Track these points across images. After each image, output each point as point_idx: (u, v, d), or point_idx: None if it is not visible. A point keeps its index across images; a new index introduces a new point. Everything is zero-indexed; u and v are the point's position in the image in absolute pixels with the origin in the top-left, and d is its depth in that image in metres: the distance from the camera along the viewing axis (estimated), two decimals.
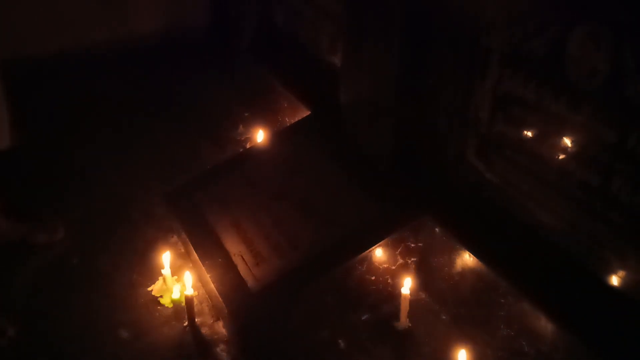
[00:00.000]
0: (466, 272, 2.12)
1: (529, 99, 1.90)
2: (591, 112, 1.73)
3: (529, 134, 1.96)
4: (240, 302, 2.14)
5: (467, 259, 2.10)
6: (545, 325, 1.85)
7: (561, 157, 1.87)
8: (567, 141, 1.84)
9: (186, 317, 2.25)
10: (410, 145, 2.42)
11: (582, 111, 1.75)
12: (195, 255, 2.37)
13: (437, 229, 2.20)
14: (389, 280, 2.28)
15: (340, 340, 2.18)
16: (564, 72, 1.76)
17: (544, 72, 1.84)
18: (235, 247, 2.34)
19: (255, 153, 2.85)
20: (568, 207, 1.88)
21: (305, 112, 3.02)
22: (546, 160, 1.91)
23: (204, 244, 2.39)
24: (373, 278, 2.26)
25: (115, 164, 3.15)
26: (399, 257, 2.27)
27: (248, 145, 3.24)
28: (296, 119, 3.06)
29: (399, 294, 2.19)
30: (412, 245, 2.27)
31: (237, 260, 2.29)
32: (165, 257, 2.33)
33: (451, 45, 2.15)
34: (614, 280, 1.80)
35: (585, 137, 1.78)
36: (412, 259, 2.29)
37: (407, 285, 2.16)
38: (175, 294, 2.32)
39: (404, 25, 2.22)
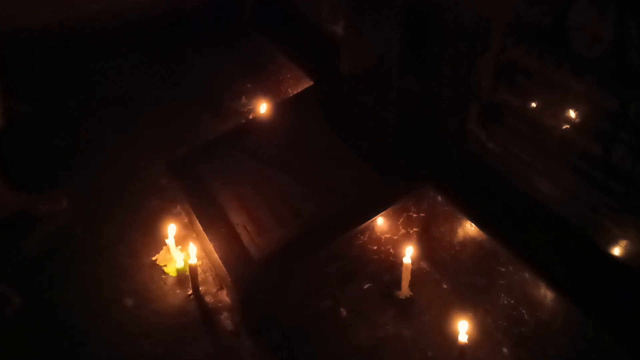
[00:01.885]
0: (467, 242, 2.13)
1: (532, 67, 1.89)
2: (593, 81, 1.72)
3: (531, 102, 1.95)
4: (243, 271, 2.16)
5: (468, 228, 2.11)
6: (545, 293, 1.87)
7: (563, 126, 1.86)
8: (569, 110, 1.83)
9: (190, 285, 2.28)
10: (412, 115, 2.41)
11: (585, 80, 1.74)
12: (198, 226, 2.39)
13: (439, 199, 2.21)
14: (391, 250, 2.30)
15: (342, 309, 2.21)
16: (567, 40, 1.75)
17: (547, 41, 1.83)
18: (238, 217, 2.35)
19: (258, 124, 2.84)
20: (569, 177, 1.88)
21: (308, 83, 3.01)
22: (548, 129, 1.91)
23: (207, 214, 2.41)
24: (375, 248, 2.27)
25: (118, 136, 3.16)
26: (400, 227, 2.28)
27: (250, 117, 3.23)
28: (299, 90, 3.04)
29: (401, 263, 2.21)
30: (414, 215, 2.28)
31: (240, 230, 2.30)
32: (170, 229, 2.35)
33: (454, 15, 2.12)
34: (614, 250, 1.81)
35: (587, 105, 1.77)
36: (414, 229, 2.31)
37: (408, 254, 2.18)
38: (179, 263, 2.35)
39: None
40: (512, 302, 1.99)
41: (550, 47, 1.81)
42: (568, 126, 1.84)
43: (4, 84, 2.32)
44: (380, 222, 2.24)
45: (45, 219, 2.59)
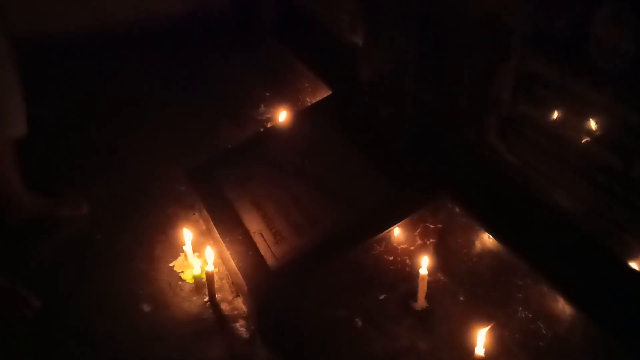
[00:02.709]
0: (485, 254, 2.12)
1: (552, 79, 1.88)
2: (614, 93, 1.70)
3: (551, 115, 1.94)
4: (259, 279, 2.17)
5: (486, 240, 2.10)
6: (563, 308, 1.84)
7: (583, 139, 1.85)
8: (589, 123, 1.82)
9: (206, 292, 2.29)
10: (430, 125, 2.41)
11: (605, 92, 1.72)
12: (216, 233, 2.40)
13: (456, 210, 2.20)
14: (407, 261, 2.29)
15: (357, 319, 2.20)
16: (588, 52, 1.73)
17: (567, 52, 1.81)
18: (255, 225, 2.37)
19: (276, 133, 2.86)
20: (589, 190, 1.86)
21: (326, 92, 3.02)
22: (568, 141, 1.89)
23: (225, 222, 2.42)
24: (391, 258, 2.27)
25: (137, 142, 3.19)
26: (417, 238, 2.27)
27: (269, 125, 3.25)
28: (317, 99, 3.06)
29: (417, 274, 2.20)
30: (431, 226, 2.27)
31: (257, 238, 2.31)
32: (187, 234, 2.37)
33: (472, 25, 2.12)
34: (635, 265, 1.79)
35: (607, 118, 1.76)
36: (431, 240, 2.30)
37: (424, 264, 2.17)
38: (196, 270, 2.37)
39: (424, 4, 2.20)
40: (530, 315, 1.97)
41: (570, 59, 1.79)
42: (588, 139, 1.82)
43: (26, 90, 2.36)
44: (397, 232, 2.24)
45: (65, 223, 2.63)
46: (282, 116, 2.98)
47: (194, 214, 2.70)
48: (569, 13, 1.75)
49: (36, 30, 3.34)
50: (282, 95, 3.45)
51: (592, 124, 1.80)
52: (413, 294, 2.24)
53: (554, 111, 1.92)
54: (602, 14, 1.65)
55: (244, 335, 2.16)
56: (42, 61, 2.43)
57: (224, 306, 2.28)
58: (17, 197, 2.53)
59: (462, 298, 2.26)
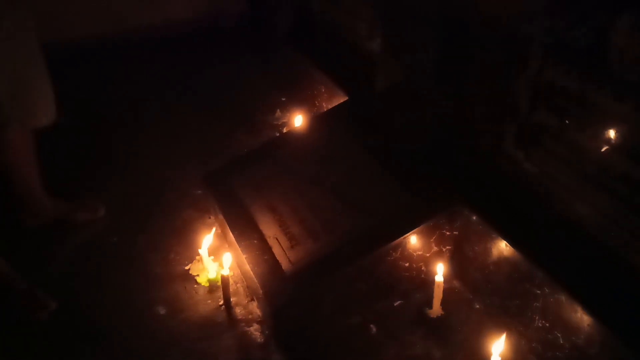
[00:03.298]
0: (501, 262, 2.11)
1: (571, 88, 1.87)
2: (635, 103, 1.69)
3: (570, 124, 1.93)
4: (274, 284, 2.17)
5: (503, 248, 2.08)
6: (581, 318, 1.83)
7: (602, 148, 1.83)
8: (609, 132, 1.80)
9: (221, 296, 2.29)
10: (447, 133, 2.40)
11: (626, 102, 1.71)
12: (231, 237, 2.41)
13: (473, 218, 2.19)
14: (423, 268, 2.29)
15: (371, 326, 2.20)
16: (608, 61, 1.73)
17: (587, 62, 1.81)
18: (270, 230, 2.37)
19: (292, 138, 2.86)
20: (608, 200, 1.85)
21: (342, 98, 3.03)
22: (587, 151, 1.88)
23: (240, 226, 2.43)
24: (407, 265, 2.26)
25: (153, 147, 3.22)
26: (433, 245, 2.26)
27: (284, 130, 3.26)
28: (333, 105, 3.06)
29: (432, 281, 2.19)
30: (447, 233, 2.26)
31: (272, 242, 2.32)
32: (206, 239, 2.38)
33: (491, 34, 2.12)
34: None
35: (628, 128, 1.75)
36: (447, 247, 2.29)
37: (440, 271, 2.16)
38: (212, 274, 2.37)
39: (443, 12, 2.20)
40: (547, 325, 1.95)
41: (590, 68, 1.79)
42: (608, 149, 1.81)
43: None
44: (413, 239, 2.23)
45: (82, 226, 2.65)
46: (298, 121, 2.99)
47: (209, 218, 2.71)
48: (589, 23, 1.75)
49: (52, 35, 3.37)
50: (297, 101, 3.47)
51: (612, 134, 1.79)
52: (428, 302, 2.24)
53: (573, 120, 1.91)
54: (622, 23, 1.64)
55: (259, 340, 2.16)
56: (58, 66, 2.45)
57: (239, 310, 2.28)
58: (36, 201, 2.56)
59: (477, 306, 2.24)
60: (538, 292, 1.96)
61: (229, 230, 2.43)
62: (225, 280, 2.24)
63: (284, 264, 2.22)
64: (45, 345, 2.14)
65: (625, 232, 1.82)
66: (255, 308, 2.28)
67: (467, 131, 2.36)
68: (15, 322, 2.19)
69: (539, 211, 2.09)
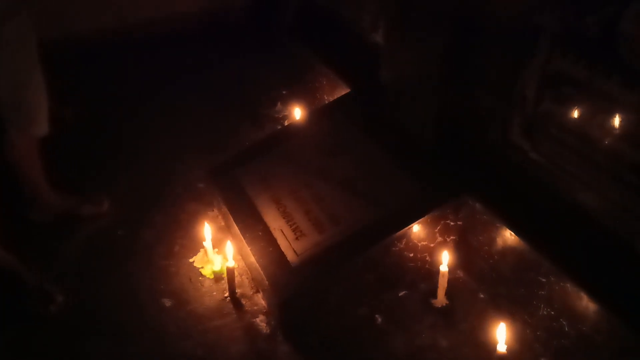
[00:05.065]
0: (507, 251, 2.11)
1: (579, 78, 1.87)
2: None
3: (578, 113, 1.93)
4: (279, 275, 2.18)
5: (508, 237, 2.09)
6: (587, 305, 1.83)
7: (611, 138, 1.83)
8: (618, 122, 1.80)
9: (227, 288, 2.30)
10: (454, 123, 2.40)
11: (635, 91, 1.71)
12: (235, 229, 2.42)
13: (477, 207, 2.19)
14: (428, 258, 2.29)
15: (378, 316, 2.21)
16: (617, 51, 1.72)
17: (596, 51, 1.80)
18: (275, 222, 2.37)
19: (295, 130, 2.86)
20: (615, 189, 1.85)
21: (344, 91, 3.02)
22: (595, 140, 1.88)
23: (245, 218, 2.43)
24: (412, 255, 2.26)
25: (157, 140, 3.22)
26: (438, 235, 2.27)
27: (287, 123, 3.26)
28: (335, 97, 3.06)
29: (437, 271, 2.19)
30: (452, 223, 2.26)
31: (277, 234, 2.32)
32: (207, 230, 2.38)
33: (499, 24, 2.11)
34: None
35: (637, 117, 1.74)
36: (452, 237, 2.29)
37: (445, 261, 2.16)
38: (217, 266, 2.38)
39: (453, 3, 2.19)
40: (553, 313, 1.96)
41: (599, 57, 1.79)
42: (616, 138, 1.80)
43: (52, 91, 2.40)
44: (418, 229, 2.23)
45: (88, 220, 2.66)
46: (300, 114, 2.98)
47: (213, 210, 2.71)
48: (599, 12, 1.74)
49: (57, 30, 3.37)
50: (300, 94, 3.46)
51: (621, 123, 1.78)
52: (433, 291, 2.24)
53: (580, 110, 1.91)
54: (632, 11, 1.64)
55: (265, 331, 2.17)
56: (62, 61, 2.45)
57: (244, 302, 2.29)
58: (42, 196, 2.57)
59: (482, 295, 2.25)
60: (543, 280, 1.96)
61: (234, 223, 2.44)
62: (230, 272, 2.25)
63: (290, 256, 2.23)
64: (53, 338, 2.14)
65: (632, 220, 1.82)
66: (260, 299, 2.29)
67: (474, 121, 2.36)
68: (23, 315, 2.19)
69: (545, 200, 2.09)
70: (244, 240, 2.35)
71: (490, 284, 2.23)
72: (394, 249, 2.22)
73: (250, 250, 2.30)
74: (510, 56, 2.09)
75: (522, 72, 2.07)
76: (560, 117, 1.99)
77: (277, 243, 2.29)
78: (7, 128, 2.34)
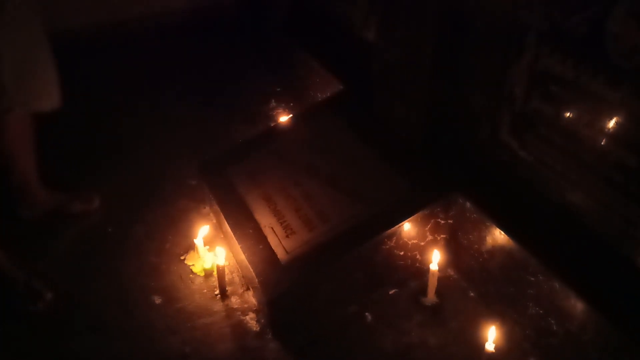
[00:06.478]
0: (496, 250, 2.12)
1: (567, 76, 1.87)
2: (630, 91, 1.69)
3: (565, 112, 1.93)
4: (270, 273, 2.17)
5: (497, 236, 2.09)
6: (575, 304, 1.84)
7: (597, 136, 1.84)
8: (604, 120, 1.80)
9: (217, 285, 2.30)
10: (443, 121, 2.41)
11: (621, 90, 1.71)
12: (226, 226, 2.41)
13: (467, 206, 2.19)
14: (418, 256, 2.29)
15: (367, 314, 2.21)
16: (604, 50, 1.72)
17: (583, 50, 1.81)
18: (265, 219, 2.37)
19: (287, 128, 2.86)
20: (603, 188, 1.86)
21: (337, 88, 3.02)
22: (582, 139, 1.88)
23: (235, 215, 2.43)
24: (402, 253, 2.27)
25: (148, 137, 3.21)
26: (428, 234, 2.27)
27: (279, 120, 3.25)
28: (328, 94, 3.06)
29: (427, 269, 2.20)
30: (442, 221, 2.27)
31: (267, 232, 2.32)
32: (203, 229, 2.39)
33: (487, 22, 2.12)
34: None
35: (623, 116, 1.75)
36: (442, 236, 2.30)
37: (435, 260, 2.17)
38: (207, 263, 2.38)
39: (441, 0, 2.19)
40: (541, 312, 1.97)
41: (586, 56, 1.79)
42: (603, 137, 1.81)
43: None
44: (408, 227, 2.23)
45: (78, 217, 2.65)
46: (293, 111, 2.98)
47: (205, 208, 2.71)
48: (586, 10, 1.74)
49: (48, 25, 3.35)
50: (293, 91, 3.46)
51: (608, 122, 1.79)
52: (423, 290, 2.25)
53: (568, 108, 1.91)
54: (619, 10, 1.64)
55: (254, 329, 2.17)
56: (58, 57, 2.44)
57: (235, 299, 2.29)
58: (32, 192, 2.56)
59: (472, 294, 2.26)
60: (532, 279, 1.97)
61: (224, 220, 2.43)
62: (220, 270, 2.25)
63: (280, 254, 2.23)
64: (42, 335, 2.14)
65: (619, 220, 1.82)
66: (250, 297, 2.29)
67: (463, 119, 2.36)
68: (11, 312, 2.19)
69: (534, 199, 2.10)
70: (234, 238, 2.35)
71: (479, 282, 2.24)
72: (384, 247, 2.22)
73: (241, 247, 2.29)
74: (499, 55, 2.09)
75: (510, 70, 2.06)
76: (548, 116, 1.99)
77: (267, 241, 2.29)
78: (8, 110, 2.30)
